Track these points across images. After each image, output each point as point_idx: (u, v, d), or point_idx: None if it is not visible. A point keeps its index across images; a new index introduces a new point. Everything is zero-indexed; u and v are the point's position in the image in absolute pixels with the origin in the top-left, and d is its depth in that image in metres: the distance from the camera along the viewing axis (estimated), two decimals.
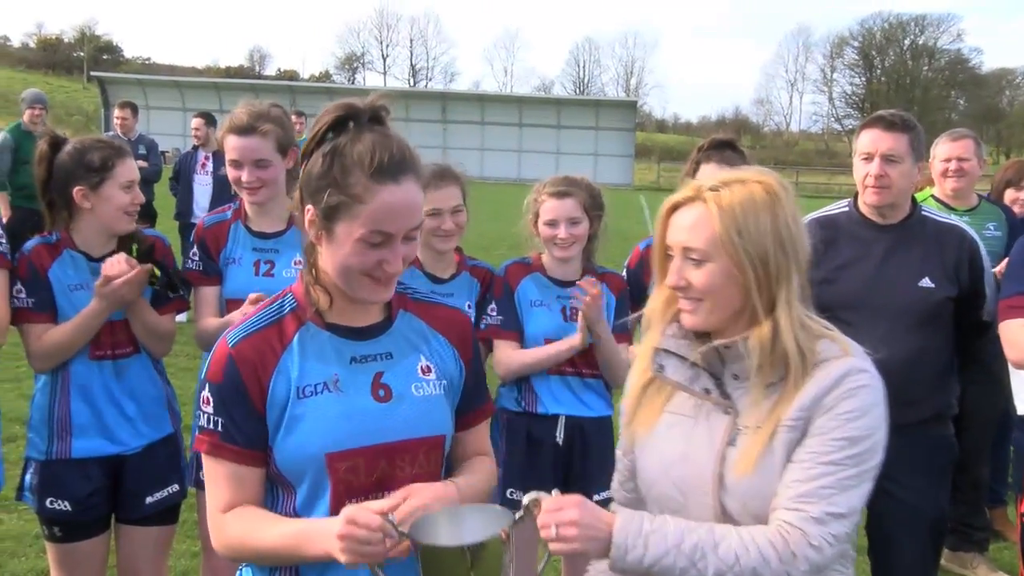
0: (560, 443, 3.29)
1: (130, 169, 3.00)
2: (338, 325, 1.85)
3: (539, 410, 3.29)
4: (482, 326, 3.27)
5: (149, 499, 3.09)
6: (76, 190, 2.91)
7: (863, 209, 3.29)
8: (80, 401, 2.98)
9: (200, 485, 2.99)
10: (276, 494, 1.86)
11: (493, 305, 3.31)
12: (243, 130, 2.99)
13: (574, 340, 3.19)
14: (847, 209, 3.36)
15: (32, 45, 74.58)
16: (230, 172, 3.08)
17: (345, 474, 1.79)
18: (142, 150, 9.59)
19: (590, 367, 3.30)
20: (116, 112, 10.04)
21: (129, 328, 3.01)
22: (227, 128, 3.06)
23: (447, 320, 1.99)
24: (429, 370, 1.90)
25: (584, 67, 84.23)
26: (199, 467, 2.76)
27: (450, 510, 1.74)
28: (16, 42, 78.31)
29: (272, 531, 1.76)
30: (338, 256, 1.77)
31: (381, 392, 1.83)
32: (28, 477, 3.04)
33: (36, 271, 2.94)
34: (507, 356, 3.27)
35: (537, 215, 3.30)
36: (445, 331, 1.96)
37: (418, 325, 1.93)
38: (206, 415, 1.79)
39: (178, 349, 3.30)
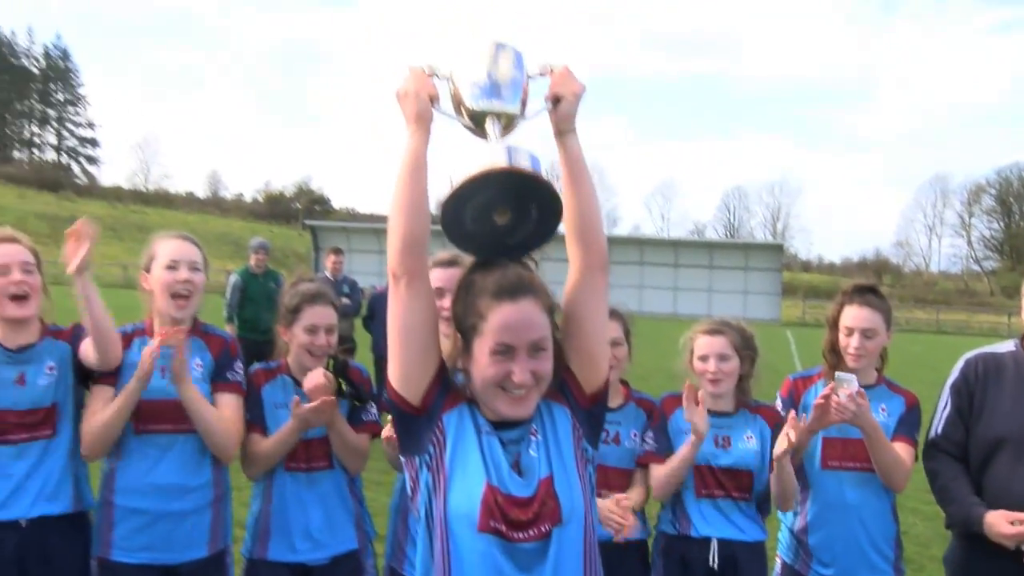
0: (714, 567, 3.42)
1: (315, 314, 3.41)
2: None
3: (692, 533, 3.46)
4: (640, 452, 3.54)
5: None
6: (278, 327, 3.49)
7: None
8: (276, 508, 3.37)
9: None
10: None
11: (650, 433, 3.55)
12: (447, 263, 3.24)
13: (693, 439, 3.36)
14: (1014, 349, 3.43)
15: (260, 199, 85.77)
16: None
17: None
18: (346, 288, 10.89)
19: (740, 491, 3.47)
20: (330, 257, 11.25)
21: (326, 444, 3.37)
22: (432, 263, 3.37)
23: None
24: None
25: (734, 212, 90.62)
26: None
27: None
28: (248, 197, 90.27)
29: None
30: (476, 373, 2.09)
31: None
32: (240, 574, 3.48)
33: (254, 390, 3.44)
34: (656, 473, 3.49)
35: (692, 351, 3.58)
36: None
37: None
38: None
39: (371, 465, 3.64)
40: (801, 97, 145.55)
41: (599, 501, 2.93)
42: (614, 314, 3.43)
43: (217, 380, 3.37)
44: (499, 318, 2.02)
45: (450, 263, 3.22)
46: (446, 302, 3.01)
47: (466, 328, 2.09)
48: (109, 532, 3.26)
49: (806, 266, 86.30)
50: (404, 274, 2.05)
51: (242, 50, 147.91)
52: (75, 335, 3.32)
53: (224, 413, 3.30)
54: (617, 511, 3.13)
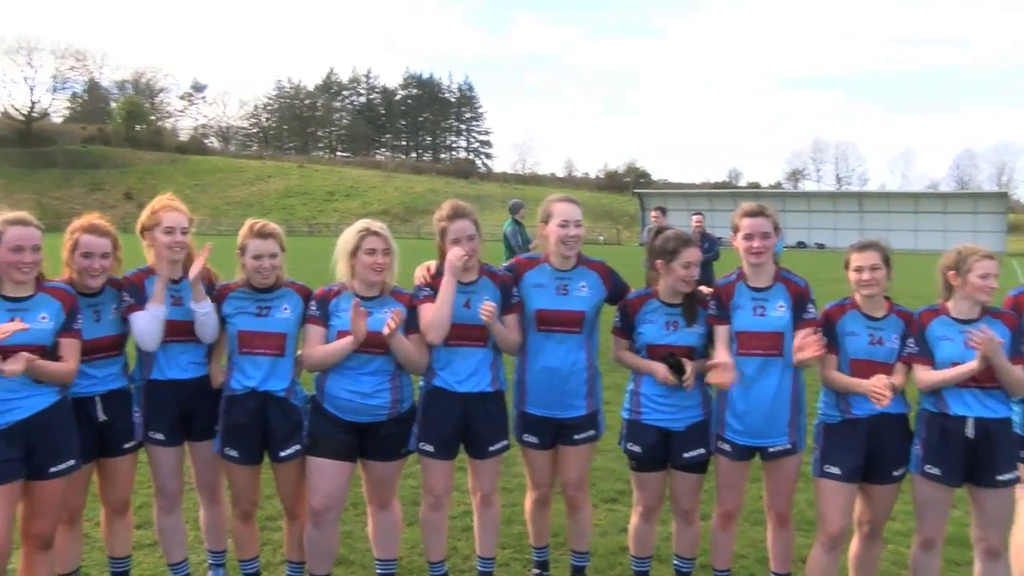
0: (970, 437, 4.20)
1: (690, 255, 4.48)
2: None
3: (949, 412, 4.23)
4: (904, 353, 4.32)
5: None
6: (657, 262, 4.54)
7: None
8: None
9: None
10: None
11: (911, 340, 4.31)
12: (754, 213, 4.45)
13: (972, 365, 4.11)
14: None
15: (601, 176, 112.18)
16: (745, 243, 4.46)
17: None
18: (706, 244, 13.09)
19: (990, 380, 4.17)
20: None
21: None
22: (740, 213, 4.51)
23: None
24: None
25: (964, 170, 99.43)
26: None
27: None
28: (592, 175, 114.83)
29: None
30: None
31: None
32: None
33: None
34: (925, 376, 4.25)
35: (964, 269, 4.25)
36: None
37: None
38: None
39: None
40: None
41: (866, 380, 4.19)
42: (875, 245, 4.36)
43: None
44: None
45: (759, 212, 4.43)
46: (755, 243, 4.41)
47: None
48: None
49: None
50: None
51: (584, 72, 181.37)
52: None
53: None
54: (880, 387, 4.11)
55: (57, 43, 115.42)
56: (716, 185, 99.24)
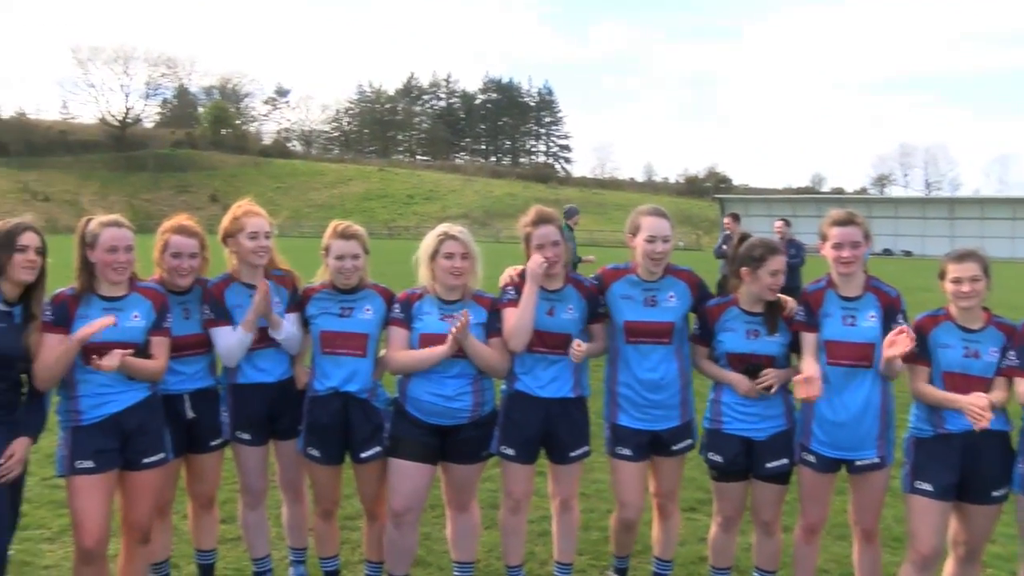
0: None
1: (774, 263, 4.36)
2: None
3: None
4: (1004, 366, 4.12)
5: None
6: (742, 270, 4.48)
7: None
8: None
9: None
10: None
11: (1012, 352, 4.11)
12: (844, 221, 4.34)
13: None
14: None
15: (681, 181, 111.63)
16: (835, 253, 4.33)
17: None
18: (792, 250, 13.33)
19: None
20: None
21: None
22: (829, 222, 4.39)
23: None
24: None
25: None
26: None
27: None
28: (671, 180, 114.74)
29: None
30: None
31: None
32: None
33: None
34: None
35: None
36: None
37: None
38: None
39: None
40: None
41: (964, 397, 3.97)
42: (974, 255, 4.17)
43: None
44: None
45: (848, 221, 4.30)
46: (845, 252, 4.25)
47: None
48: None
49: None
50: None
51: (663, 76, 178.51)
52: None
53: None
54: (979, 406, 3.89)
55: (150, 51, 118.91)
56: (799, 190, 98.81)
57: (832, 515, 4.91)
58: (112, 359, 3.95)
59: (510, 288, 4.59)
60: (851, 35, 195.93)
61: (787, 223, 14.74)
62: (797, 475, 4.55)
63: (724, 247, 14.51)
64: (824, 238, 4.42)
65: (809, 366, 4.29)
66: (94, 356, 3.95)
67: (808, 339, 4.40)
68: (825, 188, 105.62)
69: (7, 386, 4.01)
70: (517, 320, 4.45)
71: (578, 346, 4.40)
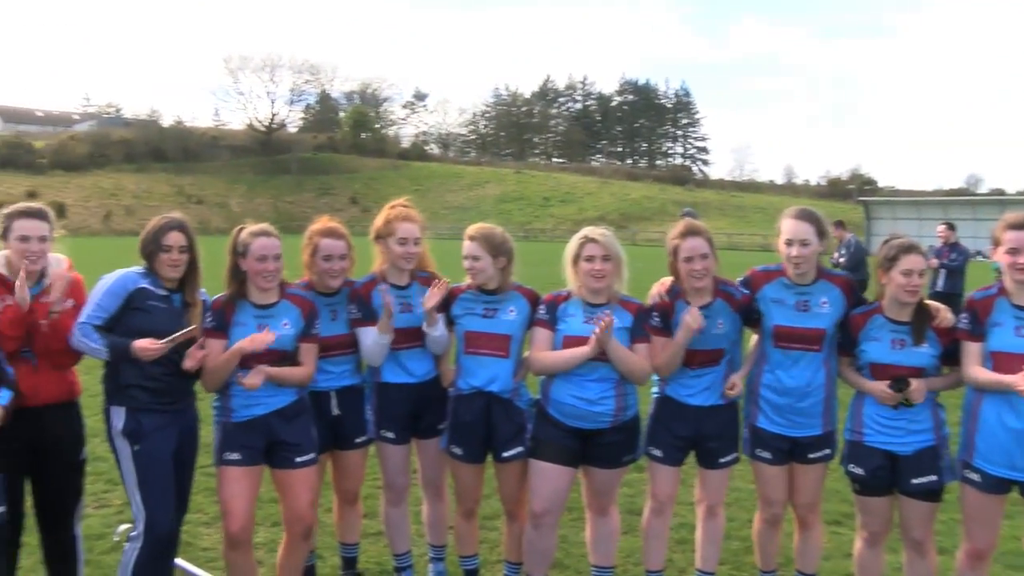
0: None
1: (907, 262, 4.12)
2: None
3: None
4: None
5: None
6: (879, 271, 4.26)
7: None
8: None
9: None
10: None
11: None
12: (1020, 225, 4.01)
13: None
14: None
15: (823, 183, 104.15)
16: (1009, 259, 4.00)
17: None
18: (953, 254, 13.83)
19: None
20: (938, 229, 14.42)
21: None
22: (1004, 225, 4.06)
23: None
24: None
25: None
26: None
27: None
28: (812, 182, 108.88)
29: None
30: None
31: None
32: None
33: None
34: None
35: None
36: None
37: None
38: None
39: None
40: None
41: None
42: None
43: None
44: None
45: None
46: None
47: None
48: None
49: None
50: None
51: (803, 75, 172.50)
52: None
53: None
54: None
55: (295, 59, 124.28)
56: (951, 192, 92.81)
57: (1000, 542, 4.59)
58: (255, 377, 4.14)
59: (656, 315, 4.51)
60: (1008, 29, 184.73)
61: (951, 227, 14.31)
62: (960, 494, 4.27)
63: (839, 257, 14.35)
64: (997, 243, 4.12)
65: (982, 373, 4.04)
66: (240, 374, 4.17)
67: (972, 349, 4.11)
68: (982, 189, 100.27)
69: (171, 370, 4.22)
70: (666, 358, 4.44)
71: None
